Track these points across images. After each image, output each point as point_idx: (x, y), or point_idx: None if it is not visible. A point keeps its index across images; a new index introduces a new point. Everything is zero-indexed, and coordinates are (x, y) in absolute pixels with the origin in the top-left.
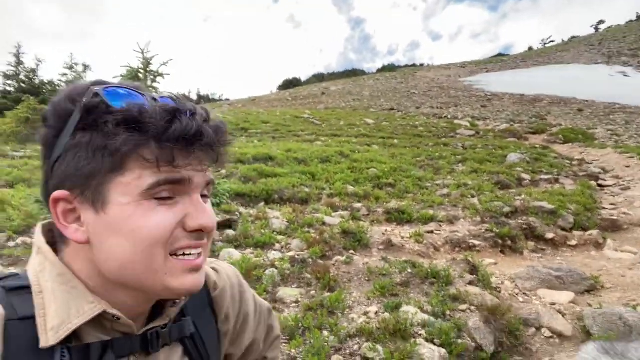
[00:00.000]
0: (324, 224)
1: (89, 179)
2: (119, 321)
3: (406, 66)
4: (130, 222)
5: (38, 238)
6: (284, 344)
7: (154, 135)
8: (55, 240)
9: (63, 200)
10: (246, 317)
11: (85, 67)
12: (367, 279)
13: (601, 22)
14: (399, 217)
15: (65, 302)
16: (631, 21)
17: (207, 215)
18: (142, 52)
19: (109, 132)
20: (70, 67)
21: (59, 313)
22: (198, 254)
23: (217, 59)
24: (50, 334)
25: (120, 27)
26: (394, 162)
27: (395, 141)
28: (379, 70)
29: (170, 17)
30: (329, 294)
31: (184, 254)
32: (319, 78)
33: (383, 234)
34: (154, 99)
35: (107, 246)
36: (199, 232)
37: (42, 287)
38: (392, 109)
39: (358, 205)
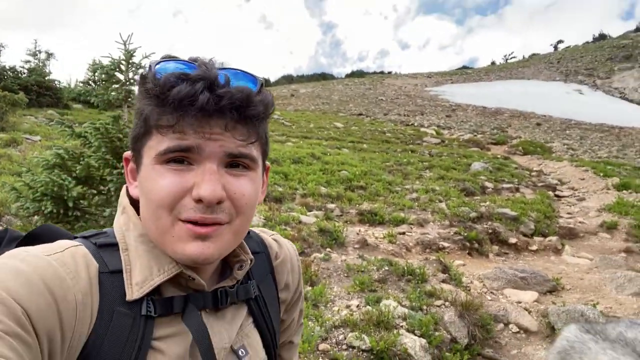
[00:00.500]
0: (300, 222)
1: (136, 142)
2: (194, 281)
3: (375, 73)
4: (146, 183)
5: (123, 198)
6: None
7: (156, 102)
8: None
9: (128, 160)
10: (301, 291)
11: (49, 54)
12: (346, 275)
13: (560, 41)
14: (371, 219)
15: (147, 261)
16: (587, 42)
17: (208, 185)
18: (125, 44)
19: (140, 99)
20: (34, 54)
21: (142, 270)
22: (211, 224)
23: (187, 55)
24: (135, 288)
25: (90, 18)
26: (364, 165)
27: (365, 145)
28: (348, 76)
29: (140, 11)
30: (310, 287)
31: (196, 223)
32: (288, 79)
33: (357, 233)
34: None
35: (142, 204)
36: (204, 204)
37: (128, 245)
38: (361, 114)
39: (331, 205)
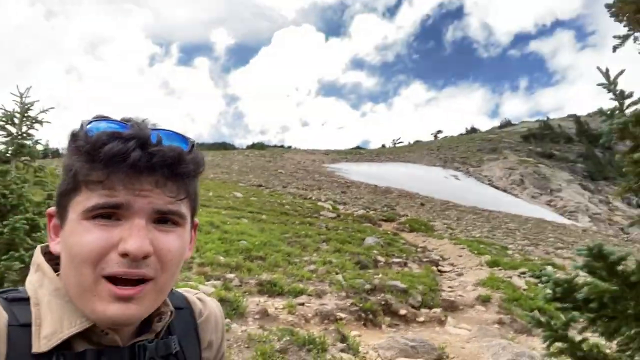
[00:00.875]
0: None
1: (62, 197)
2: (107, 336)
3: (275, 146)
4: (70, 238)
5: (37, 257)
6: None
7: (86, 158)
8: (55, 261)
9: (52, 216)
10: (224, 351)
11: None
12: (246, 346)
13: (439, 131)
14: (271, 289)
15: (59, 314)
16: (462, 134)
17: (134, 240)
18: (21, 97)
19: (70, 155)
20: None
21: (52, 323)
22: (134, 284)
23: (85, 115)
24: (43, 341)
25: None
26: (263, 236)
27: (264, 216)
28: (249, 147)
29: (31, 69)
30: None
31: (119, 280)
32: None
33: (257, 304)
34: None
35: (62, 260)
36: (130, 258)
37: (39, 300)
38: (260, 185)
39: (231, 275)
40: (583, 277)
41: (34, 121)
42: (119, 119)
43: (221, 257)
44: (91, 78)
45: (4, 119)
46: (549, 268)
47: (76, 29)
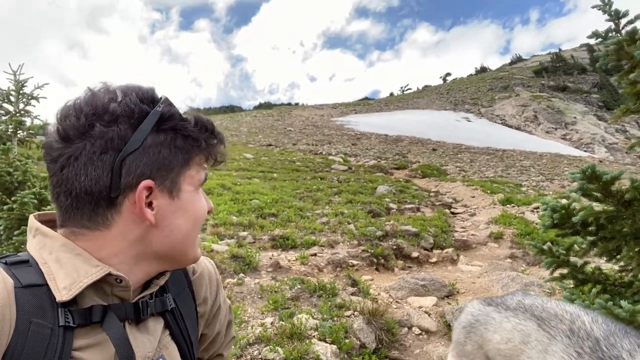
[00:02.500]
0: (212, 250)
1: (169, 171)
2: (121, 284)
3: (282, 105)
4: (193, 205)
5: (34, 223)
6: None
7: (207, 142)
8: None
9: (148, 187)
10: (220, 304)
11: None
12: (259, 296)
13: (448, 74)
14: (283, 243)
15: (72, 266)
16: (471, 75)
17: (210, 201)
18: (15, 74)
19: (189, 136)
20: None
21: (69, 274)
22: None
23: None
24: (63, 292)
25: None
26: (275, 194)
27: (275, 175)
28: (256, 108)
29: (34, 48)
30: None
31: None
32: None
33: (270, 258)
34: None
35: (175, 224)
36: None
37: (45, 259)
38: (270, 145)
39: (244, 233)
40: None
41: (30, 98)
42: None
43: (234, 217)
44: (95, 51)
45: (0, 97)
46: (548, 197)
47: (74, 2)
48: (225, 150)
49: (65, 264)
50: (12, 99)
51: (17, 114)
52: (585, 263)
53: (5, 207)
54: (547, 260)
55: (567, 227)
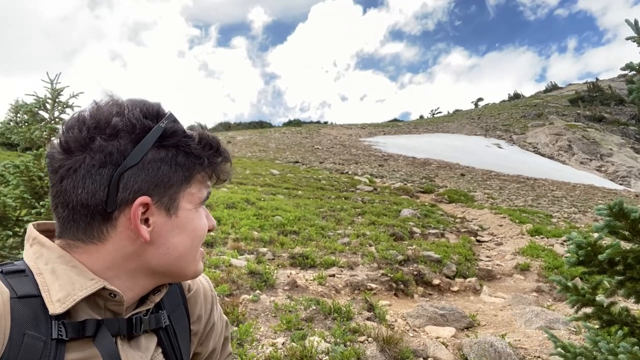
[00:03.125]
0: (230, 265)
1: (168, 188)
2: (114, 298)
3: (311, 122)
4: (192, 223)
5: (32, 232)
6: None
7: (210, 160)
8: (50, 238)
9: (144, 204)
10: (214, 322)
11: None
12: (274, 315)
13: (480, 99)
14: (302, 262)
15: (68, 278)
16: (504, 101)
17: (212, 219)
18: (52, 83)
19: (191, 153)
20: None
21: (63, 287)
22: None
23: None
24: (57, 304)
25: (26, 63)
26: (298, 211)
27: (300, 192)
28: (285, 124)
29: (76, 54)
30: (237, 327)
31: None
32: (225, 127)
33: (288, 276)
34: (192, 129)
35: (172, 242)
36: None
37: (41, 269)
38: (297, 162)
39: (264, 249)
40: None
41: (65, 106)
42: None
43: (255, 232)
44: (134, 64)
45: (37, 105)
46: (574, 232)
47: (119, 16)
48: (229, 167)
49: (60, 276)
50: (48, 106)
51: (52, 122)
52: (612, 303)
53: (33, 211)
54: (571, 298)
55: (593, 265)
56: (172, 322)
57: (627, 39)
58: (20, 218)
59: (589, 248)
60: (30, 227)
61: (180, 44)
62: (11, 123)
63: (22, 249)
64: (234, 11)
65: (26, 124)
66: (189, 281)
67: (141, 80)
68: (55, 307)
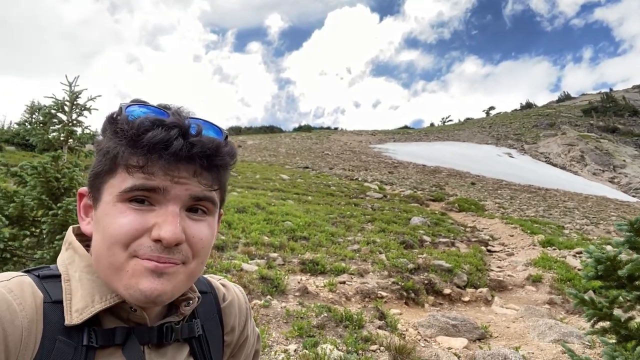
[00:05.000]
0: (241, 269)
1: (96, 178)
2: (135, 312)
3: (321, 128)
4: (105, 219)
5: (69, 236)
6: None
7: (128, 143)
8: (87, 241)
9: (83, 196)
10: (248, 334)
11: None
12: (285, 321)
13: (492, 108)
14: (313, 268)
15: (90, 289)
16: (516, 110)
17: (169, 227)
18: (70, 85)
19: (109, 138)
20: None
21: (84, 297)
22: (166, 264)
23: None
24: (74, 314)
25: (45, 65)
26: (308, 216)
27: (310, 197)
28: (296, 130)
29: (95, 56)
30: None
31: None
32: (236, 131)
33: (299, 282)
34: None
35: (94, 239)
36: (163, 244)
37: (70, 276)
38: (307, 167)
39: (274, 255)
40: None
41: (82, 109)
42: (155, 104)
43: (265, 237)
44: (151, 67)
45: (55, 107)
46: (592, 246)
47: (138, 21)
48: (150, 158)
49: (84, 285)
50: (66, 109)
51: (70, 124)
52: (630, 318)
53: (50, 213)
54: (588, 312)
55: (612, 280)
56: (205, 332)
57: None
58: (36, 218)
59: (608, 263)
60: (69, 231)
61: (197, 48)
62: (27, 124)
63: (38, 249)
64: (251, 17)
65: (42, 125)
66: (223, 290)
67: (156, 83)
68: (72, 317)
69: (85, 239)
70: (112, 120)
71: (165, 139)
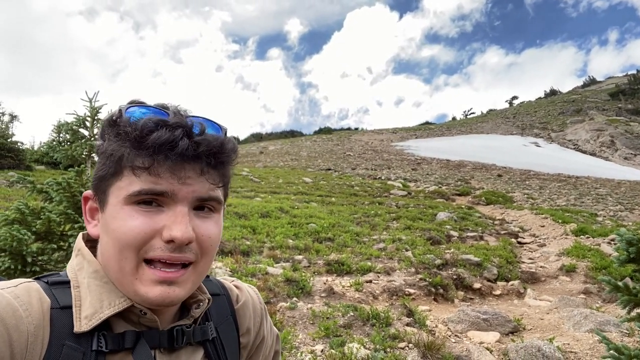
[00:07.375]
0: (267, 273)
1: (101, 181)
2: (145, 316)
3: (342, 129)
4: (113, 222)
5: (79, 242)
6: None
7: (133, 144)
8: (94, 245)
9: (88, 199)
10: (264, 335)
11: (13, 117)
12: (311, 322)
13: (514, 97)
14: (338, 269)
15: (98, 295)
16: (540, 98)
17: (180, 227)
18: (90, 101)
19: (112, 141)
20: None
21: (92, 304)
22: (177, 267)
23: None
24: (84, 321)
25: (71, 84)
26: (332, 218)
27: (333, 199)
28: (316, 132)
29: (120, 74)
30: None
31: (160, 264)
32: (257, 137)
33: (324, 283)
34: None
35: (102, 242)
36: (175, 244)
37: (79, 282)
38: (329, 169)
39: (299, 257)
40: None
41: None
42: (153, 104)
43: (290, 240)
44: (174, 80)
45: (77, 123)
46: (623, 229)
47: (162, 36)
48: (157, 159)
49: (92, 291)
50: (88, 124)
51: (92, 139)
52: None
53: (76, 226)
54: (623, 299)
55: None
56: (219, 334)
57: None
58: (64, 233)
59: None
60: (79, 237)
61: (220, 59)
62: (54, 143)
63: (67, 262)
64: (271, 23)
65: (68, 142)
66: (236, 292)
67: (180, 95)
68: (81, 324)
69: (95, 245)
70: (112, 123)
71: (170, 139)
